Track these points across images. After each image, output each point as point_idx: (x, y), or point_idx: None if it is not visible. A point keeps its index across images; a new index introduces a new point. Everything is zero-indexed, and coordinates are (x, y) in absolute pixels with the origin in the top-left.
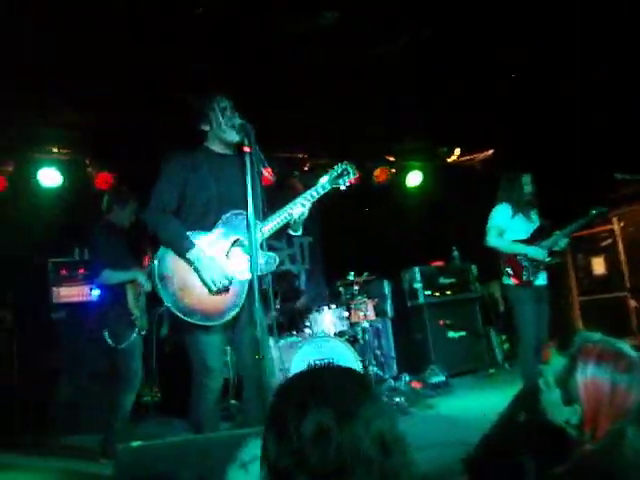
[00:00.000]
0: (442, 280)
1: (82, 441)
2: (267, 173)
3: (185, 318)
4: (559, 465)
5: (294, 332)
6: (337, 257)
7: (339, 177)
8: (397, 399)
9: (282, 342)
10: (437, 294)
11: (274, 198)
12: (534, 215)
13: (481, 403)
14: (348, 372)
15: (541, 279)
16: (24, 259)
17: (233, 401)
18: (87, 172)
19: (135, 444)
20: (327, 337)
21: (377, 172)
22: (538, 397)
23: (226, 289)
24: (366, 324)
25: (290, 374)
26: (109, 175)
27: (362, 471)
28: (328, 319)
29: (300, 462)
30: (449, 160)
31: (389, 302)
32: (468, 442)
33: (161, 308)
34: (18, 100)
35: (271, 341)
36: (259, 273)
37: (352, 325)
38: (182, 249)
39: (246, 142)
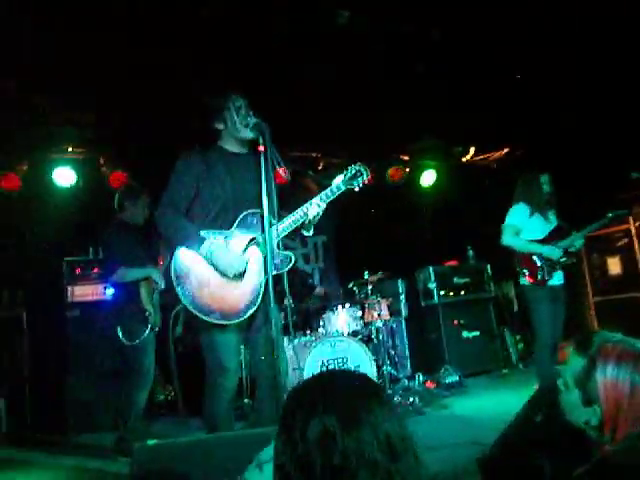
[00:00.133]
0: (456, 280)
1: (96, 439)
2: (282, 172)
3: (203, 317)
4: (577, 466)
5: (308, 331)
6: (351, 256)
7: (353, 178)
8: (411, 399)
9: (296, 341)
10: (451, 294)
11: (287, 197)
12: (552, 216)
13: (495, 403)
14: (359, 377)
15: (557, 279)
16: (39, 258)
17: (246, 400)
18: (101, 171)
19: (151, 442)
20: (341, 336)
21: (391, 171)
22: (555, 398)
23: (242, 275)
24: (380, 323)
25: (304, 373)
26: (123, 174)
27: (367, 475)
28: (342, 318)
29: (305, 465)
30: (464, 159)
31: (403, 301)
32: (482, 442)
33: (177, 307)
34: (32, 100)
35: (285, 340)
36: (275, 272)
37: (366, 324)
38: (194, 245)
39: (261, 141)
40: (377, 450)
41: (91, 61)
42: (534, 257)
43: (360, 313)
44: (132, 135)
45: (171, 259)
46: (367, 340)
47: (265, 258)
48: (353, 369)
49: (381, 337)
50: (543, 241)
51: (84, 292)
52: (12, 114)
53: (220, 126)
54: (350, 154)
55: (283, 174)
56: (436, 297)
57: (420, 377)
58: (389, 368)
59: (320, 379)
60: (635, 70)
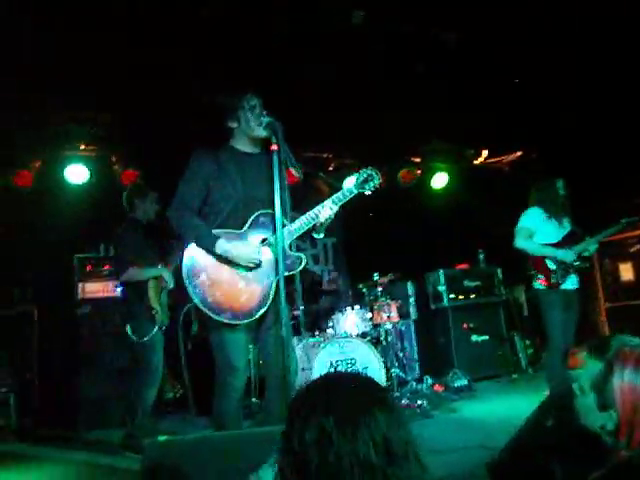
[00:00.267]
0: (467, 283)
1: (106, 435)
2: (294, 171)
3: (214, 316)
4: (591, 472)
5: (317, 332)
6: (361, 258)
7: (365, 182)
8: (419, 402)
9: (305, 342)
10: (461, 297)
11: (299, 198)
12: (566, 221)
13: (504, 408)
14: (364, 380)
15: (571, 283)
16: (50, 255)
17: (254, 399)
18: (113, 169)
19: (162, 439)
20: (350, 338)
21: (403, 173)
22: (567, 402)
23: (257, 265)
24: (389, 326)
25: (312, 373)
26: (134, 172)
27: (362, 477)
28: (351, 320)
29: (302, 466)
30: (476, 162)
31: (413, 304)
32: (491, 446)
33: (187, 305)
34: (45, 98)
35: (295, 341)
36: (286, 273)
37: (375, 326)
38: (209, 245)
39: (274, 140)
40: (373, 453)
41: (101, 59)
42: (548, 260)
43: (369, 315)
44: (144, 133)
45: (182, 257)
46: (376, 342)
47: (276, 259)
48: (361, 370)
49: (390, 339)
50: (557, 245)
51: (95, 289)
52: (25, 112)
53: (233, 125)
54: (361, 155)
55: (295, 173)
56: (446, 300)
57: (428, 380)
58: (397, 370)
59: (325, 380)
60: None
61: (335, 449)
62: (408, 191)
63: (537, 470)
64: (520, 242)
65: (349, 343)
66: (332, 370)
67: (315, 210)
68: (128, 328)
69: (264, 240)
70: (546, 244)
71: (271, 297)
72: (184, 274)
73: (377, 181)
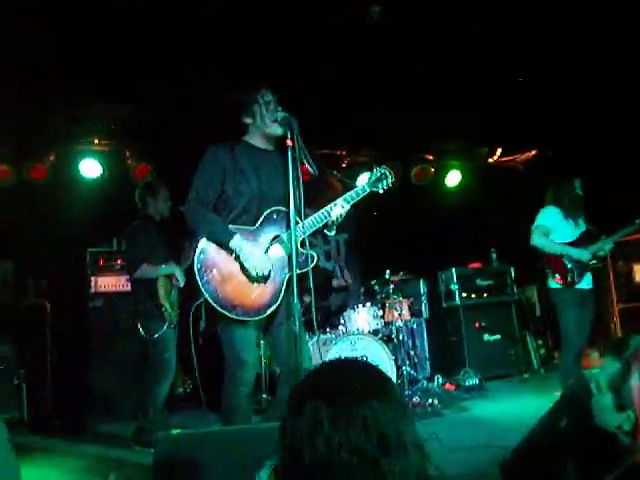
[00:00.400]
0: (479, 282)
1: (116, 428)
2: (309, 167)
3: (224, 312)
4: (606, 472)
5: (328, 329)
6: (373, 255)
7: (378, 181)
8: (430, 400)
9: (316, 339)
10: (473, 296)
11: (312, 194)
12: (581, 221)
13: (516, 408)
14: (364, 368)
15: (586, 283)
16: (63, 248)
17: (264, 395)
18: (127, 164)
19: (174, 433)
20: (361, 335)
21: (416, 171)
22: (582, 402)
23: (265, 278)
24: (400, 323)
25: None
26: (147, 167)
27: (355, 467)
28: (362, 317)
29: (294, 457)
30: (490, 160)
31: (424, 302)
32: (502, 446)
33: (198, 301)
34: (59, 92)
35: (306, 337)
36: (298, 271)
37: (386, 324)
38: (224, 238)
39: (289, 135)
40: (367, 443)
41: (116, 55)
42: (564, 259)
43: (381, 312)
44: (158, 128)
45: (195, 252)
46: (387, 340)
47: (288, 256)
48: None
49: (401, 337)
50: (572, 244)
51: (107, 283)
52: (39, 106)
53: (248, 120)
54: (376, 153)
55: (310, 169)
56: (458, 299)
57: (439, 379)
58: (408, 369)
59: (321, 369)
60: None
61: (327, 439)
62: (421, 189)
63: (550, 470)
64: (537, 240)
65: (360, 340)
66: None
67: (327, 208)
68: (138, 325)
69: (276, 237)
70: (562, 243)
71: (282, 294)
72: (195, 269)
73: (390, 180)
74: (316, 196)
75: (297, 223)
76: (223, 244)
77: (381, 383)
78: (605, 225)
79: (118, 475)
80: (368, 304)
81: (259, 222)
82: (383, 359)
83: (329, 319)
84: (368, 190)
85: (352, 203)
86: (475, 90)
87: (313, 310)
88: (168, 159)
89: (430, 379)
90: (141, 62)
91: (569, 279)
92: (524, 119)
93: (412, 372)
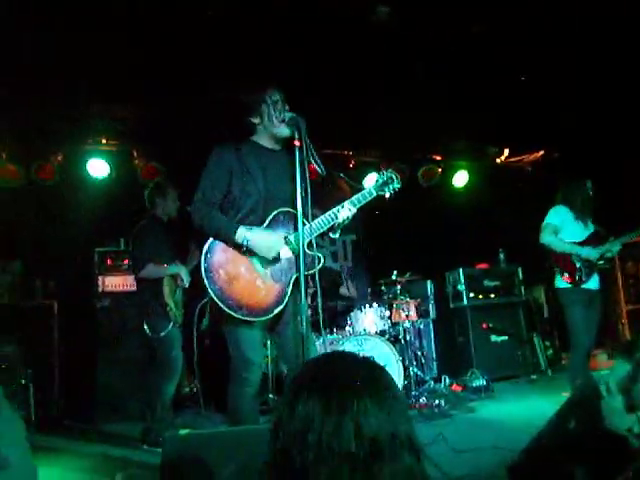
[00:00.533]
0: (486, 283)
1: (123, 428)
2: (317, 167)
3: (230, 312)
4: (615, 475)
5: (335, 330)
6: (380, 256)
7: (384, 184)
8: (437, 401)
9: (323, 339)
10: (481, 297)
11: (319, 194)
12: (590, 222)
13: (523, 409)
14: (360, 364)
15: (593, 283)
16: (71, 248)
17: (271, 395)
18: (134, 163)
19: (182, 433)
20: (368, 335)
21: (423, 171)
22: (591, 403)
23: (277, 258)
24: (408, 324)
25: None
26: (155, 167)
27: (346, 473)
28: (369, 318)
29: (285, 459)
30: (498, 161)
31: (432, 303)
32: (509, 447)
33: (204, 300)
34: (68, 92)
35: (313, 337)
36: (306, 272)
37: (393, 325)
38: (229, 233)
39: (296, 135)
40: (357, 447)
41: (123, 55)
42: (572, 258)
43: (388, 313)
44: (166, 128)
45: (201, 252)
46: (394, 340)
47: (296, 257)
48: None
49: (408, 338)
50: (581, 244)
51: (115, 282)
52: (48, 106)
53: (256, 120)
54: (383, 153)
55: (318, 169)
56: (465, 299)
57: (446, 380)
58: (415, 369)
59: (315, 364)
60: None
61: (318, 443)
62: (429, 189)
63: (559, 473)
64: (546, 238)
65: (367, 341)
66: None
67: (334, 210)
68: (144, 324)
69: (284, 238)
70: (571, 242)
71: (288, 295)
72: (202, 269)
73: (397, 185)
74: (323, 197)
75: (304, 224)
76: (229, 240)
77: (375, 379)
78: (612, 226)
79: (125, 475)
80: (375, 305)
81: (266, 223)
82: (390, 360)
83: (336, 320)
84: (375, 194)
85: (359, 206)
86: (482, 90)
87: (320, 311)
88: (176, 159)
89: (437, 380)
90: (145, 62)
91: (577, 278)
92: (532, 119)
93: (419, 373)
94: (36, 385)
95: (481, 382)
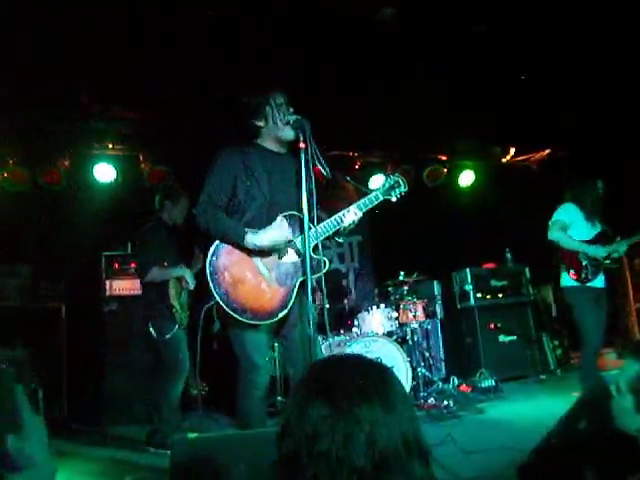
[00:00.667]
0: (494, 283)
1: (131, 431)
2: (322, 170)
3: (234, 315)
4: (626, 476)
5: (342, 331)
6: (387, 257)
7: (391, 188)
8: (445, 402)
9: (330, 341)
10: (488, 297)
11: (324, 196)
12: (598, 221)
13: (533, 409)
14: (368, 367)
15: (599, 281)
16: (78, 252)
17: (280, 398)
18: (140, 167)
19: (191, 436)
20: (376, 337)
21: (429, 171)
22: (602, 403)
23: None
24: (415, 325)
25: None
26: (162, 171)
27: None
28: (377, 319)
29: (294, 457)
30: (503, 160)
31: (439, 303)
32: (519, 448)
33: (209, 303)
34: (74, 97)
35: (319, 339)
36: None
37: (401, 325)
38: (237, 237)
39: (301, 137)
40: (367, 461)
41: (130, 59)
42: (579, 256)
43: (395, 314)
44: (172, 132)
45: (206, 255)
46: (402, 341)
47: (302, 260)
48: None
49: (416, 339)
50: (588, 243)
51: (122, 286)
52: (55, 110)
53: (260, 123)
54: (388, 154)
55: (323, 172)
56: (473, 299)
57: (455, 380)
58: (423, 370)
59: (321, 365)
60: None
61: (328, 455)
62: (435, 189)
63: (568, 473)
64: (554, 234)
65: (375, 342)
66: None
67: (340, 214)
68: (150, 326)
69: (288, 242)
70: (579, 240)
71: (293, 299)
72: (207, 272)
73: (404, 189)
74: (329, 199)
75: (310, 228)
76: (238, 243)
77: (384, 382)
78: (612, 226)
79: (133, 478)
80: (382, 305)
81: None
82: (398, 361)
83: (343, 321)
84: (381, 198)
85: (365, 210)
86: (488, 90)
87: (325, 313)
88: (181, 162)
89: (445, 381)
90: (145, 63)
91: (583, 276)
92: (538, 118)
93: (427, 374)
94: (44, 389)
95: (490, 383)
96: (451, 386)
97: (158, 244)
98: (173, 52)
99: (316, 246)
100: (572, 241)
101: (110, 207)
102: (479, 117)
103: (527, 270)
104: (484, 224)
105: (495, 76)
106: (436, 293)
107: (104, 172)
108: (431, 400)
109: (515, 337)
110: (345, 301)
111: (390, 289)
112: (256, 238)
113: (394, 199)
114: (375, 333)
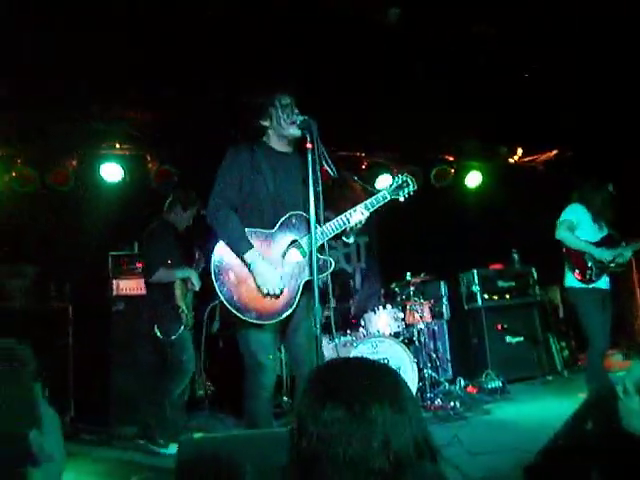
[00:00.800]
0: (501, 284)
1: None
2: (329, 170)
3: (238, 314)
4: (633, 477)
5: (348, 332)
6: (393, 257)
7: (399, 188)
8: (452, 403)
9: (337, 341)
10: (495, 297)
11: (330, 196)
12: (604, 224)
13: (539, 410)
14: (377, 370)
15: (604, 283)
16: (85, 252)
17: (285, 398)
18: (147, 167)
19: (197, 436)
20: (382, 337)
21: (436, 172)
22: (609, 404)
23: (276, 296)
24: (422, 325)
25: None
26: (168, 170)
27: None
28: (383, 319)
29: (311, 458)
30: (511, 160)
31: (446, 304)
32: (526, 449)
33: (214, 302)
34: (82, 97)
35: (325, 340)
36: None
37: (407, 326)
38: (240, 249)
39: (308, 138)
40: (384, 462)
41: (139, 59)
42: (585, 257)
43: (402, 314)
44: (179, 132)
45: (212, 254)
46: (408, 342)
47: (306, 261)
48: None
49: (422, 339)
50: (594, 245)
51: (129, 286)
52: (62, 111)
53: (266, 123)
54: (395, 154)
55: (330, 172)
56: (479, 300)
57: (461, 381)
58: (430, 371)
59: (330, 368)
60: None
61: (344, 455)
62: (442, 190)
63: (575, 474)
64: (562, 233)
65: (382, 343)
66: None
67: (347, 214)
68: (155, 328)
69: (293, 242)
70: (585, 241)
71: (297, 299)
72: (212, 271)
73: (412, 188)
74: (335, 199)
75: (316, 228)
76: (238, 255)
77: (395, 385)
78: (618, 226)
79: (139, 478)
80: (389, 306)
81: (277, 226)
82: (405, 362)
83: (349, 321)
84: (389, 197)
85: (372, 210)
86: (494, 90)
87: (331, 315)
88: (189, 163)
89: (452, 382)
90: (145, 63)
91: (587, 276)
92: (545, 118)
93: (434, 375)
94: (50, 389)
95: (496, 384)
96: (458, 387)
97: (164, 245)
98: (173, 52)
99: (322, 246)
100: (579, 241)
101: (117, 207)
102: (486, 118)
103: (534, 271)
104: (491, 225)
105: (501, 76)
106: (443, 294)
107: (111, 172)
108: (438, 401)
109: (522, 338)
110: (351, 301)
111: (397, 289)
112: (254, 263)
113: (402, 199)
114: (382, 334)
